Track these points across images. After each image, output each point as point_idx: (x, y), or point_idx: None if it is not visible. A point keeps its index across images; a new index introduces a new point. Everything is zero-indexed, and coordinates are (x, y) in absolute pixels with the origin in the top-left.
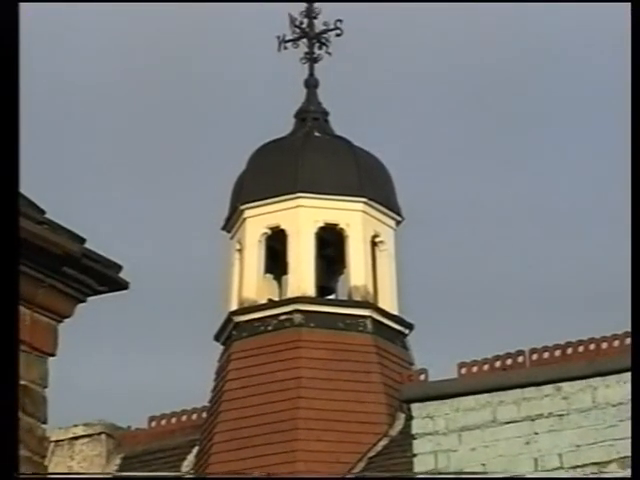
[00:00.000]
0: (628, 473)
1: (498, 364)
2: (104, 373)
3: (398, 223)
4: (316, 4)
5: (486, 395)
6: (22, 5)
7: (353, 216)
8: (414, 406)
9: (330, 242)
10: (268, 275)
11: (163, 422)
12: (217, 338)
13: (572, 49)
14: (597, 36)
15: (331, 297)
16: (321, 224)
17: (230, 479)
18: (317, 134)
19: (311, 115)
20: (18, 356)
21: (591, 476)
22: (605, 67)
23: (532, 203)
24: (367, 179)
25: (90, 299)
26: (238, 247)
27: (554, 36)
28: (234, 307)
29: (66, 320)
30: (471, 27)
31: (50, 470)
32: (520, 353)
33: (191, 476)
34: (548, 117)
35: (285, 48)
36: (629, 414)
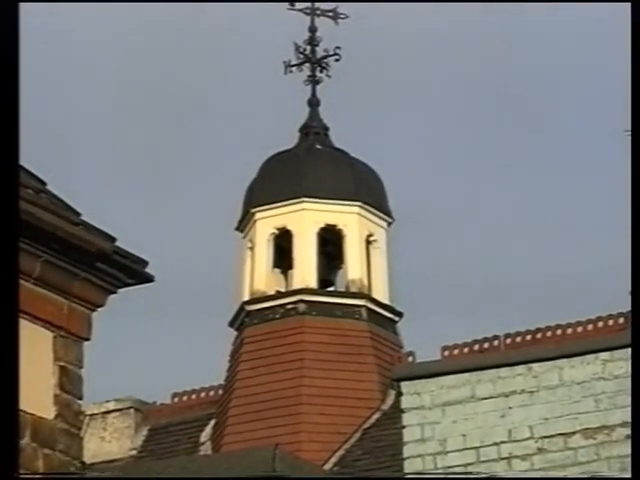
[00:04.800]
0: (591, 442)
1: (476, 347)
2: (133, 355)
3: (389, 224)
4: (318, 33)
5: (466, 374)
6: (22, 5)
7: (350, 218)
8: (403, 384)
9: (330, 241)
10: (276, 269)
11: (184, 398)
12: (231, 324)
13: (572, 49)
14: (597, 36)
15: (331, 289)
16: (322, 225)
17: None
18: (318, 147)
19: (313, 130)
20: (18, 368)
21: (593, 476)
22: (605, 67)
23: (507, 204)
24: (362, 186)
25: (120, 291)
26: (249, 245)
27: (553, 37)
28: (246, 297)
29: (99, 309)
30: (465, 42)
31: (85, 441)
32: (496, 337)
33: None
34: (541, 119)
35: (291, 72)
36: (591, 391)
